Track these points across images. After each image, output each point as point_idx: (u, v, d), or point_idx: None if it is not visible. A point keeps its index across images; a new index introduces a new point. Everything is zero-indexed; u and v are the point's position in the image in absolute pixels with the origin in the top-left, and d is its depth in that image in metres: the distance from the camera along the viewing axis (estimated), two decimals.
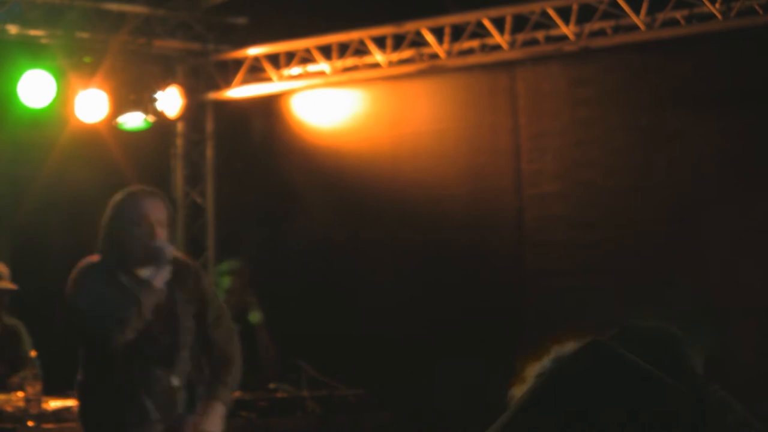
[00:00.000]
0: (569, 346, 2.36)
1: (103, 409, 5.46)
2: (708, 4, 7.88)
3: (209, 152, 10.23)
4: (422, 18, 8.95)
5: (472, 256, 8.94)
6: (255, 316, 8.56)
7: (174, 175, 10.17)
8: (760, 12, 7.72)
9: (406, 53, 9.10)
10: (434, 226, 9.08)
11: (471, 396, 8.10)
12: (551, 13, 8.46)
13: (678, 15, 8.06)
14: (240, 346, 5.74)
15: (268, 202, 9.98)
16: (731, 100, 8.00)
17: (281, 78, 9.68)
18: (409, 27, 9.02)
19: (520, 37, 8.64)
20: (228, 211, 10.18)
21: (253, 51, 9.71)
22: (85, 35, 9.06)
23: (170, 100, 9.37)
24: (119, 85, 9.11)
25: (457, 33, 8.89)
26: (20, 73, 8.63)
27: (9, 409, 7.10)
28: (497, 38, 8.70)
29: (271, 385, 8.11)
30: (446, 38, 8.92)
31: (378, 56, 9.18)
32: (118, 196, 5.60)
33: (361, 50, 9.27)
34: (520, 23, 8.63)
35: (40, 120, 8.86)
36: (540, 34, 8.59)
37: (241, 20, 9.82)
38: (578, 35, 8.40)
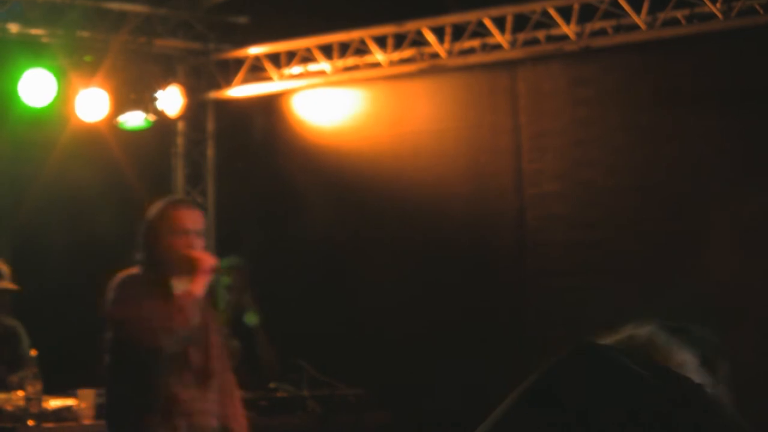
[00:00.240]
0: (615, 336, 2.40)
1: (137, 425, 5.42)
2: (709, 3, 7.88)
3: (210, 152, 10.23)
4: (423, 17, 8.95)
5: (472, 256, 8.94)
6: (251, 318, 8.55)
7: (174, 174, 10.17)
8: (761, 12, 7.72)
9: (407, 53, 9.10)
10: (434, 225, 9.08)
11: (471, 396, 8.09)
12: (552, 12, 8.46)
13: (679, 14, 8.06)
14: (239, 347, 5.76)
15: (268, 201, 9.98)
16: (731, 100, 8.00)
17: (282, 77, 9.68)
18: (409, 26, 9.02)
19: (521, 36, 8.64)
20: (228, 210, 10.18)
21: (254, 50, 9.71)
22: (85, 34, 9.06)
23: (171, 100, 9.38)
24: (120, 84, 9.11)
25: (458, 32, 8.89)
26: (21, 72, 8.64)
27: (9, 408, 7.10)
28: (498, 38, 8.70)
29: (272, 385, 8.11)
30: (447, 38, 8.92)
31: (379, 56, 9.18)
32: (154, 207, 5.58)
33: (361, 50, 9.27)
34: (520, 23, 8.63)
35: (40, 119, 8.87)
36: (541, 34, 8.59)
37: (242, 19, 9.82)
38: (579, 35, 8.40)
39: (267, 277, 9.19)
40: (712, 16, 7.90)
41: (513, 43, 8.67)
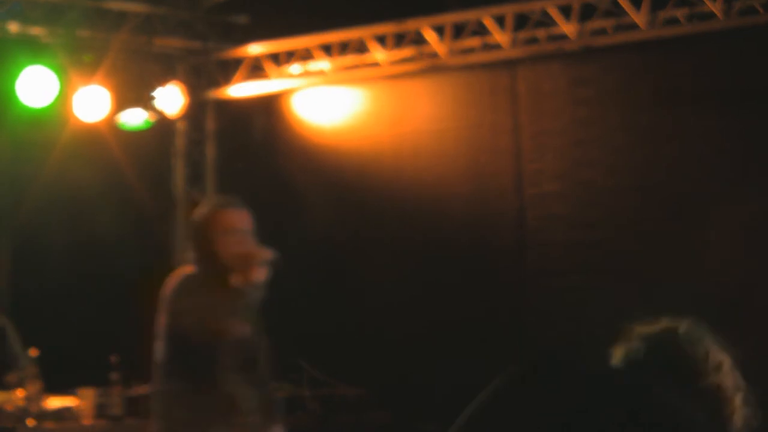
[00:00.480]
0: (653, 327, 2.41)
1: (195, 422, 5.44)
2: (708, 3, 7.88)
3: (210, 151, 10.23)
4: (423, 16, 8.95)
5: (472, 256, 8.93)
6: None
7: (174, 174, 10.16)
8: (761, 11, 7.72)
9: (407, 52, 9.09)
10: (435, 225, 9.07)
11: (471, 396, 8.09)
12: (552, 12, 8.45)
13: (678, 14, 8.05)
14: None
15: (268, 201, 9.97)
16: (731, 100, 8.00)
17: (282, 77, 9.68)
18: (409, 25, 9.02)
19: (521, 35, 8.64)
20: None
21: (254, 50, 9.71)
22: (85, 34, 9.06)
23: (171, 99, 9.37)
24: (120, 83, 9.11)
25: (458, 31, 8.88)
26: (21, 72, 8.63)
27: (9, 408, 7.10)
28: (498, 37, 8.70)
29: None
30: (447, 37, 8.91)
31: (378, 55, 9.18)
32: (203, 210, 5.67)
33: (361, 49, 9.27)
34: (520, 22, 8.62)
35: (40, 119, 8.86)
36: (541, 33, 8.59)
37: (242, 19, 9.82)
38: (579, 34, 8.40)
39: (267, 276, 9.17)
40: (712, 15, 7.90)
41: (513, 43, 8.67)
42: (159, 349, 5.42)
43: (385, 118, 9.47)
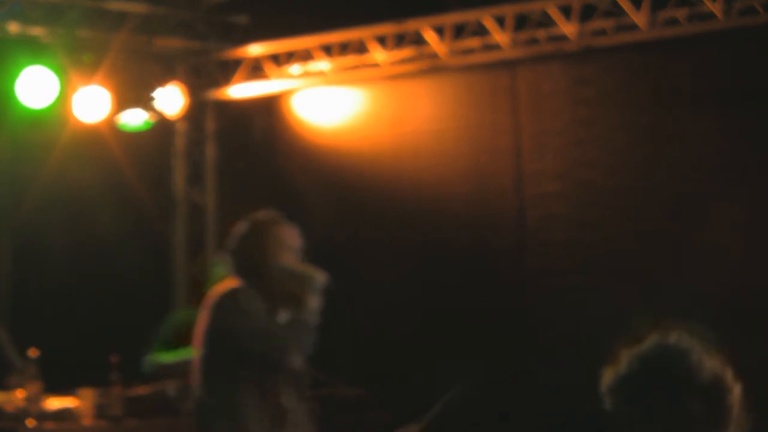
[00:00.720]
0: (642, 344, 2.42)
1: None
2: (708, 3, 7.88)
3: (210, 151, 10.23)
4: (423, 17, 8.95)
5: (472, 256, 8.93)
6: None
7: (174, 174, 10.16)
8: (761, 11, 7.72)
9: (407, 52, 9.09)
10: (435, 225, 9.07)
11: (471, 396, 8.09)
12: (552, 12, 8.46)
13: (678, 14, 8.05)
14: None
15: (268, 201, 9.95)
16: (731, 100, 8.00)
17: (282, 77, 9.68)
18: (409, 26, 9.02)
19: (521, 36, 8.64)
20: (228, 210, 10.17)
21: (254, 50, 9.71)
22: (85, 34, 9.05)
23: (171, 99, 9.37)
24: (120, 84, 9.10)
25: (458, 32, 8.88)
26: (21, 72, 8.63)
27: (9, 408, 7.10)
28: (498, 37, 8.70)
29: None
30: (447, 37, 8.91)
31: (379, 55, 9.18)
32: (255, 223, 5.56)
33: (361, 49, 9.27)
34: (521, 22, 8.62)
35: (40, 119, 8.86)
36: (541, 34, 8.59)
37: (242, 19, 9.82)
38: (579, 34, 8.40)
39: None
40: (712, 16, 7.90)
41: (513, 43, 8.67)
42: (206, 361, 5.34)
43: (385, 119, 9.47)
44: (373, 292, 9.17)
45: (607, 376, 2.55)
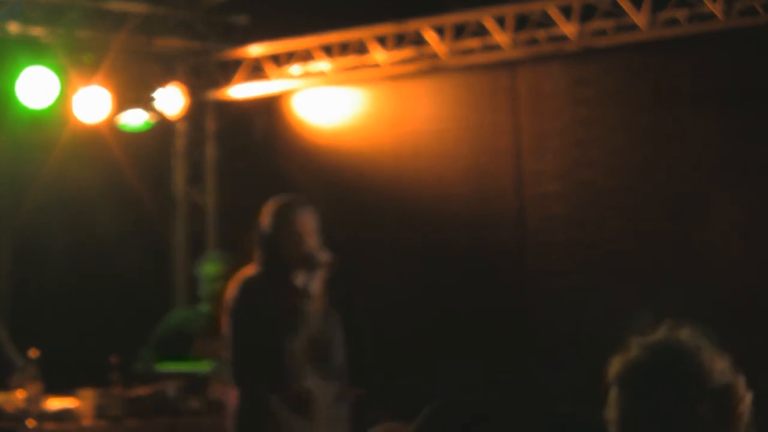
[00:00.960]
0: (653, 336, 2.41)
1: (271, 418, 5.46)
2: (708, 3, 7.88)
3: (210, 151, 10.23)
4: (423, 17, 8.95)
5: (472, 257, 8.93)
6: None
7: (174, 174, 10.17)
8: (761, 12, 7.72)
9: (407, 52, 9.09)
10: (435, 226, 9.07)
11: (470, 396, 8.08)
12: (552, 12, 8.46)
13: (679, 15, 8.05)
14: None
15: (268, 201, 9.96)
16: (731, 100, 8.00)
17: (282, 77, 9.68)
18: (409, 26, 9.02)
19: (521, 36, 8.64)
20: (228, 210, 10.17)
21: (254, 50, 9.71)
22: (85, 34, 9.06)
23: (171, 100, 9.37)
24: (120, 84, 9.11)
25: (458, 32, 8.88)
26: (21, 72, 8.63)
27: (9, 408, 7.10)
28: (498, 38, 8.70)
29: None
30: (447, 37, 8.91)
31: (379, 55, 9.18)
32: (270, 207, 5.74)
33: (362, 49, 9.27)
34: (521, 22, 8.62)
35: (40, 119, 8.86)
36: (541, 34, 8.59)
37: (243, 19, 9.82)
38: (579, 35, 8.40)
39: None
40: (712, 16, 7.90)
41: (513, 43, 8.67)
42: (233, 356, 5.44)
43: (385, 119, 9.47)
44: (373, 293, 9.16)
45: (615, 365, 2.52)
